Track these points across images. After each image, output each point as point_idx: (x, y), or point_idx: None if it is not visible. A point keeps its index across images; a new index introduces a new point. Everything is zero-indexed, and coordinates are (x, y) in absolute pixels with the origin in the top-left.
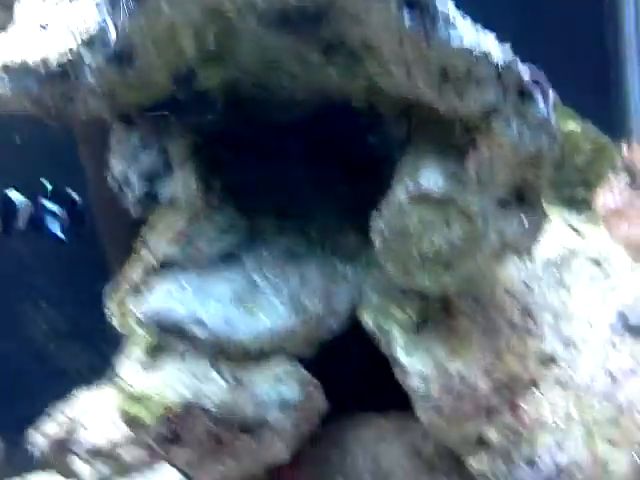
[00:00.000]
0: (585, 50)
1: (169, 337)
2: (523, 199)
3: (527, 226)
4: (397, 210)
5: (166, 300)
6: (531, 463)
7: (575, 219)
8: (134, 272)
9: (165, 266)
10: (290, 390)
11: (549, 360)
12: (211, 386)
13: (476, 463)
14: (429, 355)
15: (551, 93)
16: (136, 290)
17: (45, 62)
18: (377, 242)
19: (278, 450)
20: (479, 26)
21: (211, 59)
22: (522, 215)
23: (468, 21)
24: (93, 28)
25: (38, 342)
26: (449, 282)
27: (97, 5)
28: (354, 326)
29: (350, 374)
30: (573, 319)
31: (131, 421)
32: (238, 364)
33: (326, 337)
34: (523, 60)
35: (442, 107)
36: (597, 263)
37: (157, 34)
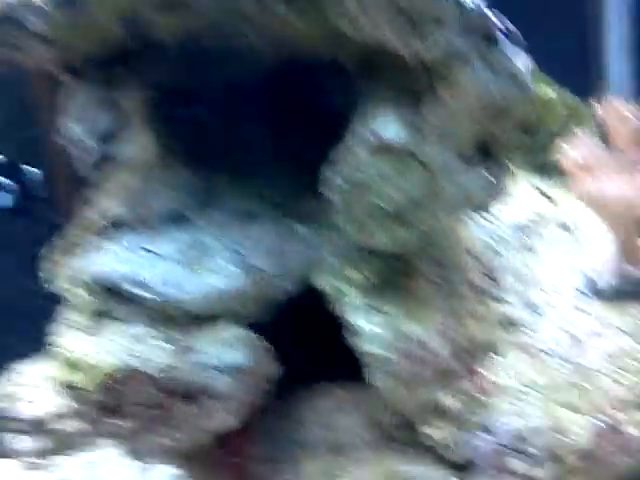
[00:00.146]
0: (564, 16)
1: (111, 300)
2: (488, 154)
3: (491, 183)
4: (354, 163)
5: (110, 261)
6: (489, 430)
7: (547, 184)
8: (79, 234)
9: (113, 227)
10: (239, 355)
11: (512, 324)
12: (155, 351)
13: (433, 431)
14: (387, 318)
15: (522, 42)
16: (80, 252)
17: None
18: (333, 198)
19: (225, 418)
20: None
21: (166, 5)
22: (486, 171)
23: None
24: None
25: None
26: (408, 239)
27: None
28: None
29: (307, 341)
30: (539, 283)
31: (70, 390)
32: (184, 328)
33: (279, 299)
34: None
35: (405, 52)
36: (567, 228)
37: None
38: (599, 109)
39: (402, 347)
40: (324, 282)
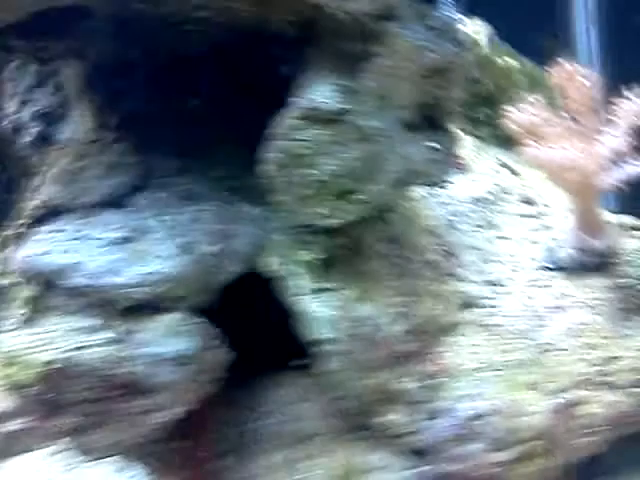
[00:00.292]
0: None
1: (49, 290)
2: (435, 124)
3: (438, 152)
4: (289, 132)
5: (46, 247)
6: (447, 411)
7: (511, 158)
8: (16, 222)
9: (51, 213)
10: (184, 342)
11: (471, 302)
12: (94, 342)
13: (390, 416)
14: (337, 298)
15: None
16: (16, 241)
17: None
18: (270, 171)
19: (173, 409)
20: None
21: None
22: (434, 141)
23: None
24: None
25: None
26: (350, 210)
27: None
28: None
29: (264, 325)
30: (500, 259)
31: (8, 385)
32: (125, 316)
33: (225, 281)
34: None
35: (335, 8)
36: (530, 201)
37: None
38: (554, 75)
39: (354, 329)
40: (272, 263)
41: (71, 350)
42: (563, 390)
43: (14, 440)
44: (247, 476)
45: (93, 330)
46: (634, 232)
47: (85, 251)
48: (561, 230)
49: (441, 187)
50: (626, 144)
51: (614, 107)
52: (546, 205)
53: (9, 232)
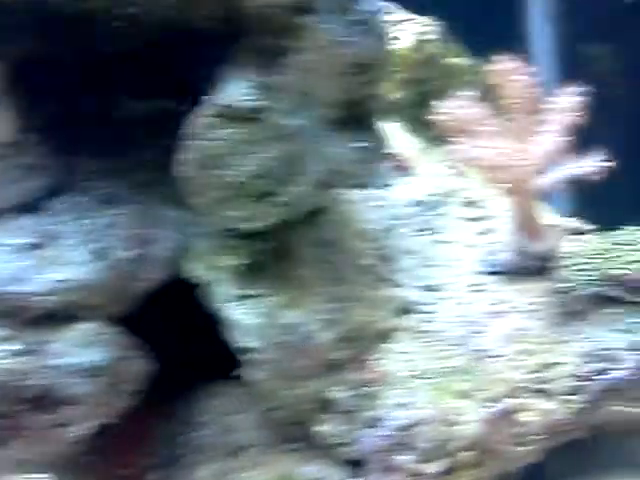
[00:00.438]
0: None
1: None
2: (360, 122)
3: (366, 152)
4: (203, 131)
5: None
6: (379, 421)
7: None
8: None
9: None
10: (98, 353)
11: (407, 308)
12: (2, 352)
13: (323, 427)
14: (262, 305)
15: None
16: None
17: None
18: (186, 172)
19: (88, 421)
20: None
21: None
22: (359, 139)
23: None
24: None
25: None
26: (271, 213)
27: None
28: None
29: (194, 335)
30: (439, 263)
31: None
32: (35, 326)
33: (145, 288)
34: None
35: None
36: (474, 205)
37: None
38: (492, 73)
39: (277, 336)
40: (194, 269)
41: None
42: (498, 398)
43: None
44: None
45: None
46: (576, 236)
47: None
48: (503, 233)
49: (382, 189)
50: (562, 144)
51: (549, 105)
52: (490, 208)
53: None
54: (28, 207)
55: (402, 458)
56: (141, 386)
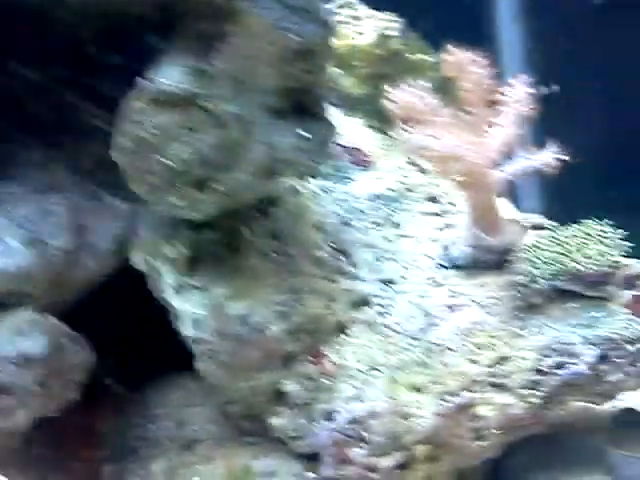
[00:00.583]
0: None
1: None
2: (305, 110)
3: (310, 141)
4: (135, 116)
5: None
6: (331, 415)
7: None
8: None
9: None
10: (32, 343)
11: (361, 301)
12: None
13: (275, 419)
14: (205, 295)
15: None
16: None
17: None
18: (120, 159)
19: (22, 413)
20: None
21: None
22: (303, 128)
23: None
24: None
25: None
26: (208, 202)
27: None
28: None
29: (145, 327)
30: (396, 257)
31: None
32: None
33: (85, 278)
34: None
35: None
36: (435, 200)
37: None
38: (447, 64)
39: (222, 326)
40: (138, 259)
41: None
42: (455, 392)
43: None
44: None
45: None
46: (537, 231)
47: None
48: (463, 228)
49: (342, 183)
50: (516, 136)
51: (503, 96)
52: (452, 203)
53: None
54: None
55: (356, 451)
56: (85, 378)
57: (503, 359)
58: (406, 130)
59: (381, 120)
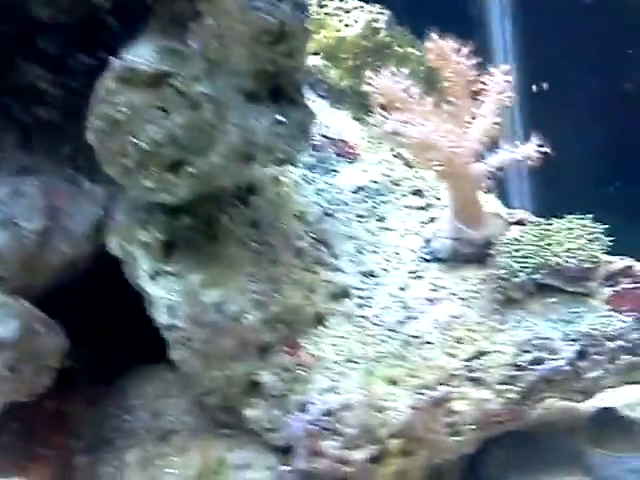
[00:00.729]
0: None
1: None
2: (282, 95)
3: (287, 126)
4: (106, 95)
5: None
6: (303, 407)
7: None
8: None
9: None
10: (4, 327)
11: (341, 293)
12: None
13: (250, 411)
14: (180, 282)
15: None
16: None
17: None
18: (92, 139)
19: None
20: None
21: None
22: (279, 113)
23: None
24: None
25: None
26: (180, 185)
27: None
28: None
29: (129, 316)
30: (378, 250)
31: None
32: None
33: (59, 262)
34: None
35: None
36: (420, 193)
37: None
38: (430, 54)
39: (196, 313)
40: (114, 244)
41: None
42: (431, 385)
43: None
44: (99, 475)
45: None
46: (519, 225)
47: None
48: (444, 221)
49: (327, 175)
50: (497, 127)
51: (483, 87)
52: (437, 198)
53: None
54: None
55: (329, 444)
56: (59, 364)
57: (481, 353)
58: (384, 116)
59: (367, 112)
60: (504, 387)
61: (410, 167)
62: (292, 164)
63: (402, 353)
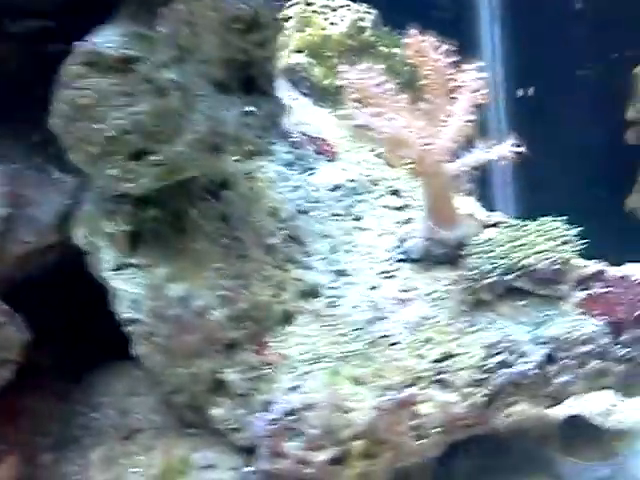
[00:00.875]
0: None
1: None
2: (253, 86)
3: (257, 117)
4: (71, 80)
5: None
6: (266, 406)
7: None
8: None
9: None
10: None
11: (311, 291)
12: None
13: (215, 410)
14: (144, 275)
15: None
16: None
17: None
18: (56, 125)
19: None
20: None
21: None
22: (249, 103)
23: None
24: None
25: None
26: (144, 173)
27: None
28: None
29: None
30: (352, 249)
31: None
32: None
33: (21, 252)
34: None
35: None
36: (397, 194)
37: None
38: (408, 50)
39: (160, 308)
40: (80, 235)
41: None
42: (393, 387)
43: None
44: (63, 473)
45: None
46: (492, 227)
47: None
48: (418, 221)
49: (304, 173)
50: (470, 126)
51: (459, 85)
52: (415, 198)
53: None
54: None
55: (290, 444)
56: (21, 358)
57: (449, 355)
58: (354, 108)
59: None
60: (471, 390)
61: (391, 167)
62: (261, 155)
63: (370, 353)
